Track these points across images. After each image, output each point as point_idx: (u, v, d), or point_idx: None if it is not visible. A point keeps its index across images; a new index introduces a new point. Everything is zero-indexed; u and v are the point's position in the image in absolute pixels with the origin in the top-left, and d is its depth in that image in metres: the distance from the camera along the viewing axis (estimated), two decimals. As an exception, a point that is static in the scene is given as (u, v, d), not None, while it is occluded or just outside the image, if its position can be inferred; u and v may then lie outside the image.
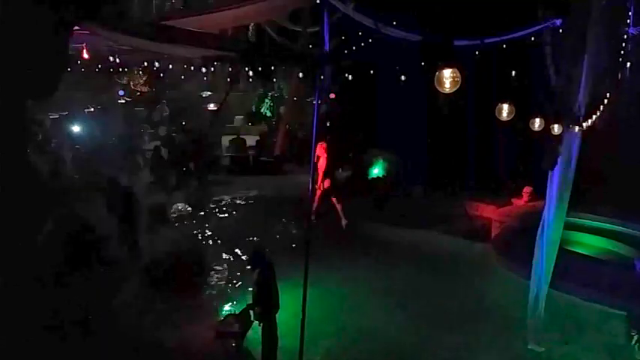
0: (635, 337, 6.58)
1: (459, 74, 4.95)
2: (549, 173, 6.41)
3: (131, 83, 23.03)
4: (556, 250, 6.64)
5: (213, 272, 9.21)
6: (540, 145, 6.67)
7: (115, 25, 5.89)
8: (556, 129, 6.19)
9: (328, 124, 18.42)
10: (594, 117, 6.77)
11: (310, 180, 6.59)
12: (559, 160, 6.26)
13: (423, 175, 15.29)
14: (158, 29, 6.37)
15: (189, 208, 12.58)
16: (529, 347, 6.78)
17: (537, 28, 11.61)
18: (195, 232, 11.26)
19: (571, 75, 6.26)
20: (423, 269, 9.60)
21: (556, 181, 6.35)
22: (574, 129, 6.20)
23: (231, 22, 11.72)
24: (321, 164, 11.63)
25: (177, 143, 17.13)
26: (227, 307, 8.01)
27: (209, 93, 24.82)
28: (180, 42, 6.41)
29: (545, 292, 6.68)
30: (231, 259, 9.91)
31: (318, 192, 11.69)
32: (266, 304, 6.33)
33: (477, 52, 13.33)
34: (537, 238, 6.77)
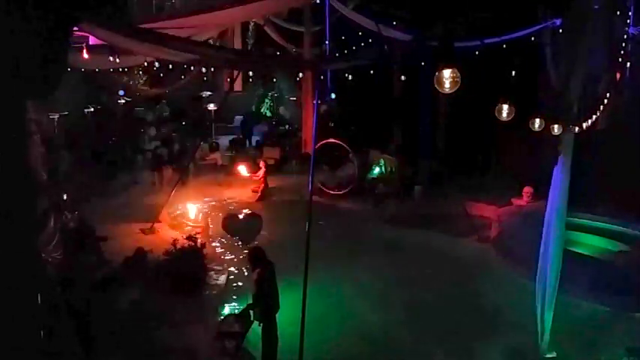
0: None
1: (458, 74, 4.94)
2: (553, 173, 6.36)
3: (131, 83, 22.95)
4: (561, 253, 6.50)
5: (213, 272, 9.22)
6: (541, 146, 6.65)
7: (114, 26, 5.90)
8: (556, 129, 6.18)
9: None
10: (594, 117, 6.76)
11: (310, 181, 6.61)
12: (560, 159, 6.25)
13: (423, 174, 15.29)
14: (153, 35, 6.39)
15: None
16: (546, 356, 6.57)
17: (537, 28, 11.63)
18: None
19: (570, 75, 6.25)
20: (422, 269, 9.59)
21: (556, 181, 6.32)
22: (574, 129, 6.19)
23: (232, 19, 11.73)
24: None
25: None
26: (227, 307, 8.02)
27: (209, 93, 24.77)
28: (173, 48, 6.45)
29: (553, 297, 6.44)
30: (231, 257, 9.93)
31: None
32: (266, 305, 6.33)
33: (476, 52, 13.33)
34: (542, 242, 6.59)
